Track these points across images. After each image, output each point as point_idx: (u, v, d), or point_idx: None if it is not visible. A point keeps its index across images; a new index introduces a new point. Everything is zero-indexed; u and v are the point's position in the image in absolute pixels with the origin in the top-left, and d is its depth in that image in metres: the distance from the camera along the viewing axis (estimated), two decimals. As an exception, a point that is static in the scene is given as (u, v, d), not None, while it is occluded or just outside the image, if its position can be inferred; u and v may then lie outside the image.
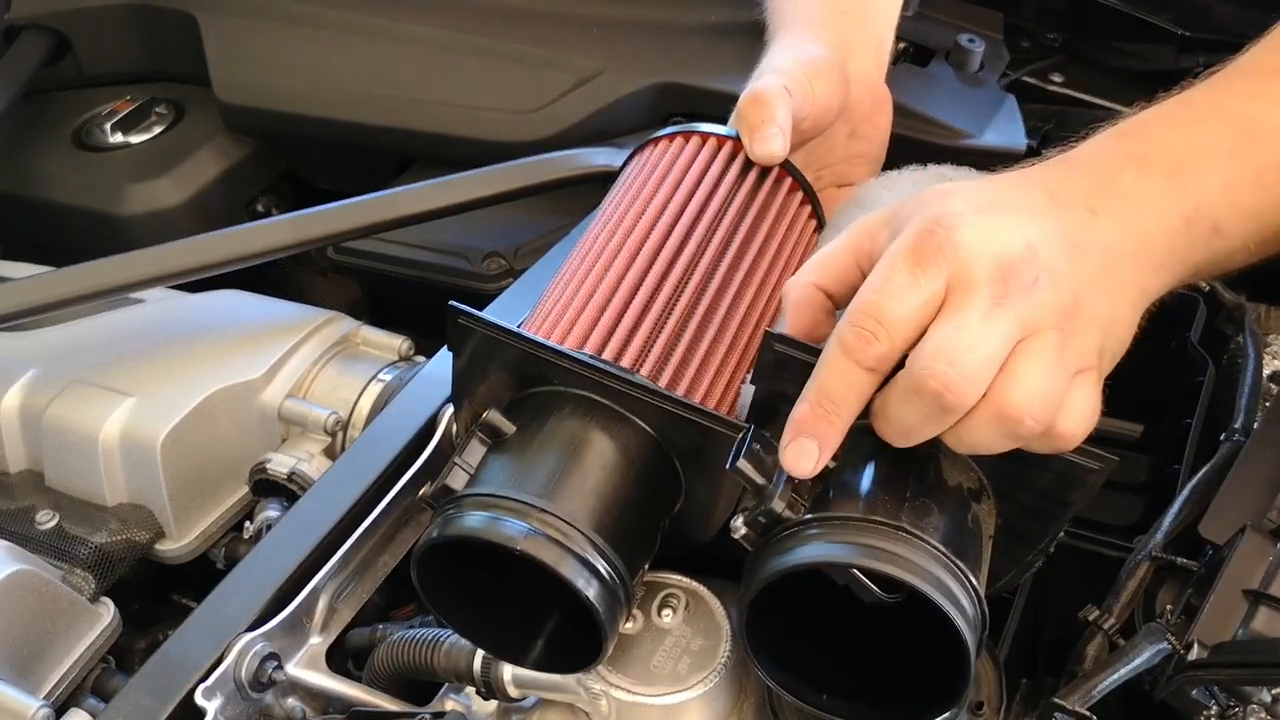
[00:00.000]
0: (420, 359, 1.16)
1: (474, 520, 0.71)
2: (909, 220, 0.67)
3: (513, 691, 0.81)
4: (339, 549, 0.86)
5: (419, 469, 0.91)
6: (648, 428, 0.76)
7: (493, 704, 0.84)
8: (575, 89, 1.34)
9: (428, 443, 0.93)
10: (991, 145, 1.22)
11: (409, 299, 1.37)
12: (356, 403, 1.11)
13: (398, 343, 1.17)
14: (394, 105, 1.39)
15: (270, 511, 1.06)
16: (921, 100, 1.25)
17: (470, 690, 0.85)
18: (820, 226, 0.96)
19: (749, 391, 0.75)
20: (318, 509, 0.89)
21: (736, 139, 0.92)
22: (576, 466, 0.74)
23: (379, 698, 0.85)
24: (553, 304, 0.83)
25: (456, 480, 0.74)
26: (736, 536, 0.70)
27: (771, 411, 0.72)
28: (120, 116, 1.50)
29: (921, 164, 0.98)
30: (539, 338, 0.77)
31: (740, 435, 0.71)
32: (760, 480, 0.69)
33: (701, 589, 0.81)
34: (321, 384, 1.13)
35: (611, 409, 0.76)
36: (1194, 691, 0.73)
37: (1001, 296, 0.64)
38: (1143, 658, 0.75)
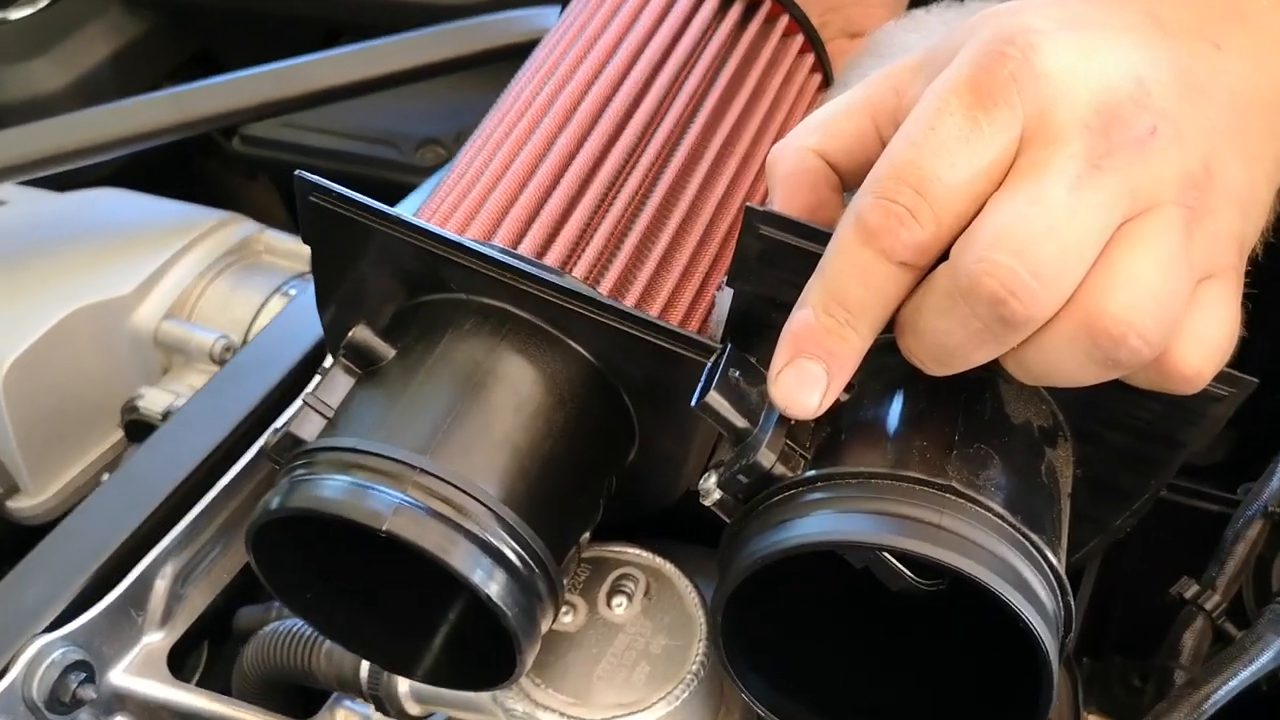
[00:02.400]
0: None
1: (328, 487, 0.54)
2: (962, 46, 0.50)
3: (411, 708, 0.65)
4: (186, 514, 0.70)
5: (305, 404, 0.74)
6: (584, 351, 0.60)
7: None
8: (528, -65, 1.21)
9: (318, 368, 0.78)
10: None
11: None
12: (253, 324, 0.99)
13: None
14: (312, -37, 1.26)
15: (140, 460, 0.89)
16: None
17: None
18: (826, 84, 0.79)
19: (726, 299, 0.58)
20: (159, 459, 0.73)
21: (717, -38, 0.74)
22: (478, 406, 0.56)
23: (242, 710, 0.67)
24: (455, 181, 0.63)
25: (307, 427, 0.56)
26: (708, 503, 0.54)
27: (758, 325, 0.56)
28: (-7, -13, 1.40)
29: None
30: (428, 225, 0.57)
31: (712, 359, 0.55)
32: (740, 422, 0.53)
33: (667, 566, 0.66)
34: (210, 301, 1.01)
35: (533, 324, 0.59)
36: (1351, 703, 0.61)
37: (1103, 155, 0.48)
38: (1270, 653, 0.61)
